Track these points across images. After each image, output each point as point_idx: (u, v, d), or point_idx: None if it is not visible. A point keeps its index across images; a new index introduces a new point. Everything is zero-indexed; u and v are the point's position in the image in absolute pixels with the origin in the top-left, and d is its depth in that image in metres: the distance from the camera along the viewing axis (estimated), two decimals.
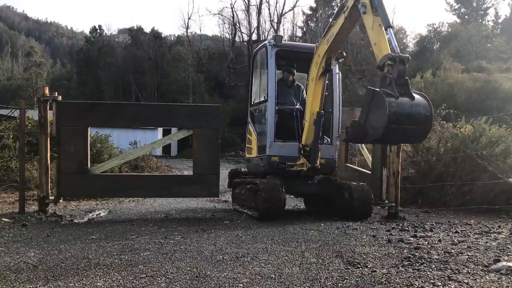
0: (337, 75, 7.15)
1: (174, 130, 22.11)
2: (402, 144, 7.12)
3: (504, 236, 4.50)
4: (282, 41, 7.13)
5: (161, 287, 2.90)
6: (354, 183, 6.68)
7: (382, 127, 4.33)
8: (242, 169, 8.42)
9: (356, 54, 30.26)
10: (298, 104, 7.21)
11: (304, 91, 7.33)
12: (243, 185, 7.31)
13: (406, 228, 5.23)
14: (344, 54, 6.93)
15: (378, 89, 4.51)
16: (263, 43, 7.46)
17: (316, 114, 6.34)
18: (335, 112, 7.04)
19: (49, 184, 6.50)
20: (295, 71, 7.35)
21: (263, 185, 6.18)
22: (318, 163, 6.42)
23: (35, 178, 8.62)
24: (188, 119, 6.72)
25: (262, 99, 7.23)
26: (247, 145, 7.78)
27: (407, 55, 4.66)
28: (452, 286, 2.78)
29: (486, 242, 4.13)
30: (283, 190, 6.19)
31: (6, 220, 5.70)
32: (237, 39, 44.74)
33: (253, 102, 7.69)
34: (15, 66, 79.81)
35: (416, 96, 4.50)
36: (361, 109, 4.89)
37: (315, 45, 6.60)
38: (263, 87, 7.26)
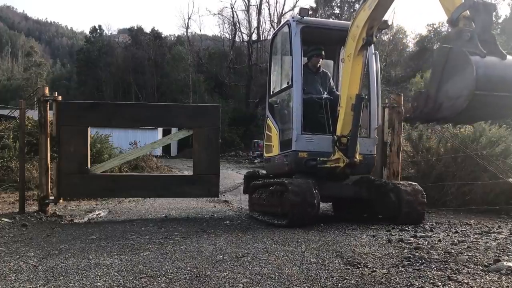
0: (374, 55, 6.15)
1: (174, 130, 22.11)
2: (402, 144, 7.12)
3: (504, 236, 4.49)
4: (308, 17, 6.09)
5: (161, 287, 2.90)
6: (402, 182, 5.72)
7: (465, 96, 3.32)
8: (260, 172, 7.34)
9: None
10: (326, 93, 6.28)
11: (331, 78, 6.59)
12: (265, 187, 6.24)
13: (406, 228, 5.22)
14: (390, 23, 5.97)
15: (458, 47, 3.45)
16: (285, 21, 6.43)
17: (355, 98, 5.36)
18: (373, 98, 6.02)
19: (49, 184, 6.50)
20: (324, 54, 6.37)
21: (293, 186, 5.19)
22: (357, 157, 5.45)
23: (35, 178, 8.62)
24: (188, 119, 6.72)
25: (284, 86, 6.25)
26: (265, 143, 6.83)
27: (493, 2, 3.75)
28: (452, 286, 2.78)
29: (486, 242, 4.13)
30: (317, 191, 5.20)
31: (6, 220, 5.70)
32: (237, 39, 44.91)
33: (273, 92, 6.69)
34: (15, 66, 79.87)
35: (508, 56, 3.49)
36: (430, 76, 3.87)
37: (349, 22, 5.73)
38: (286, 72, 6.29)
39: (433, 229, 5.14)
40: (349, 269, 3.27)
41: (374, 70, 6.10)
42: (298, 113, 5.75)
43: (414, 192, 5.43)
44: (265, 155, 6.86)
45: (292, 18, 6.06)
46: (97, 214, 6.93)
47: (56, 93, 6.64)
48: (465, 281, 2.88)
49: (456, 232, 4.89)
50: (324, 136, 5.75)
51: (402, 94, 7.33)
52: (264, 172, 7.13)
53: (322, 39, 6.42)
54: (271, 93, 6.73)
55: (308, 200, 5.08)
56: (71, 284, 2.96)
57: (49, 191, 6.45)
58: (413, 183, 5.67)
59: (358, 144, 5.49)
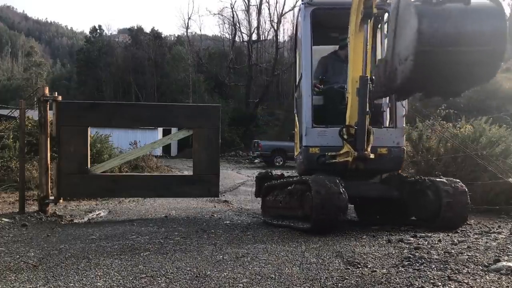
0: None
1: (174, 130, 22.11)
2: None
3: (504, 236, 4.49)
4: None
5: (161, 287, 2.90)
6: (441, 179, 4.89)
7: (411, 55, 2.79)
8: (273, 172, 6.72)
9: None
10: None
11: None
12: (281, 188, 5.61)
13: (406, 228, 5.22)
14: None
15: None
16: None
17: (360, 80, 4.65)
18: None
19: (49, 184, 6.51)
20: None
21: (316, 184, 4.51)
22: (369, 150, 4.81)
23: (35, 178, 8.62)
24: (188, 119, 6.72)
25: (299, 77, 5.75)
26: (295, 141, 6.39)
27: None
28: (452, 286, 2.78)
29: (486, 242, 4.12)
30: (344, 190, 4.50)
31: (6, 220, 5.70)
32: (237, 39, 44.90)
33: (296, 86, 6.19)
34: (15, 66, 79.86)
35: (474, 2, 2.79)
36: (387, 37, 3.40)
37: None
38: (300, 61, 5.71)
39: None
40: (349, 269, 3.27)
41: None
42: (307, 105, 5.23)
43: (457, 192, 4.68)
44: (295, 155, 6.51)
45: (302, 1, 5.53)
46: (97, 214, 6.93)
47: (56, 93, 6.64)
48: (465, 281, 2.87)
49: (456, 232, 4.89)
50: (338, 128, 5.01)
51: None
52: (278, 172, 6.83)
53: (340, 22, 5.63)
54: (295, 88, 6.31)
55: (334, 201, 4.37)
56: (71, 284, 2.96)
57: (49, 191, 6.45)
58: (454, 180, 4.89)
59: (372, 135, 4.86)
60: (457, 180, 4.92)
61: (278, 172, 7.14)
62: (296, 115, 6.08)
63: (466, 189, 4.79)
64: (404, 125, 5.39)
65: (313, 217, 4.50)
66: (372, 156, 4.85)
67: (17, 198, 6.80)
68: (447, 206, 4.59)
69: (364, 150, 4.78)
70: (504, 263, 3.21)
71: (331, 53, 5.90)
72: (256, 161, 26.52)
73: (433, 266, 3.25)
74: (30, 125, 10.26)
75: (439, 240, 4.28)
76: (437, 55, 2.77)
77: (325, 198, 4.38)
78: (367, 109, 4.73)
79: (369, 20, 4.69)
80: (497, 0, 2.87)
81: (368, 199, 5.45)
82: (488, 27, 2.77)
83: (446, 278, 2.95)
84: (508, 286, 2.78)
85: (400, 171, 5.53)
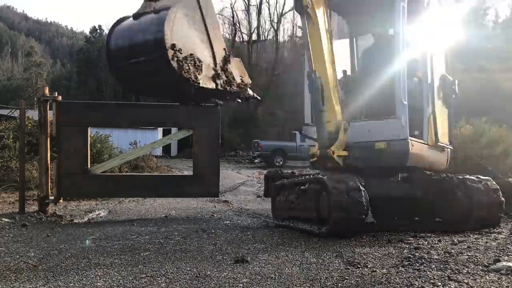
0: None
1: (174, 130, 22.11)
2: None
3: (504, 236, 4.49)
4: None
5: (161, 287, 2.90)
6: (471, 177, 4.60)
7: (110, 72, 3.03)
8: (284, 171, 6.32)
9: None
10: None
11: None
12: (293, 187, 5.11)
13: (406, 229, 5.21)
14: None
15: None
16: None
17: (308, 76, 4.74)
18: (397, 68, 4.65)
19: (49, 184, 6.50)
20: None
21: (334, 183, 4.16)
22: (333, 149, 4.64)
23: (35, 178, 8.61)
24: (188, 119, 6.72)
25: None
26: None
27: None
28: (452, 286, 2.78)
29: (486, 242, 4.12)
30: (364, 190, 4.17)
31: (6, 220, 5.70)
32: (237, 39, 44.76)
33: None
34: (15, 66, 79.80)
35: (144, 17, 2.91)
36: None
37: None
38: None
39: None
40: (349, 269, 3.27)
41: (401, 24, 4.70)
42: (307, 99, 5.09)
43: (489, 190, 4.40)
44: None
45: None
46: (97, 214, 6.92)
47: (56, 93, 6.64)
48: (465, 281, 2.87)
49: (456, 232, 4.89)
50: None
51: None
52: (288, 171, 6.36)
53: (357, 9, 5.48)
54: None
55: (354, 202, 4.01)
56: (71, 284, 2.96)
57: (49, 191, 6.45)
58: (485, 177, 4.62)
59: (342, 133, 4.70)
60: (487, 177, 4.64)
61: (288, 170, 6.86)
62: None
63: (498, 187, 4.54)
64: (403, 116, 4.59)
65: (331, 219, 4.13)
66: (339, 154, 4.62)
67: (17, 198, 6.80)
68: (480, 205, 4.33)
69: (326, 149, 4.61)
70: (504, 263, 3.21)
71: (373, 45, 5.59)
72: (256, 161, 26.49)
73: (433, 266, 3.25)
74: (30, 125, 10.26)
75: (439, 240, 4.28)
76: (129, 67, 2.96)
77: (344, 198, 4.03)
78: (322, 106, 4.61)
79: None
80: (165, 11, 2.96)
81: (387, 199, 4.95)
82: (150, 36, 3.00)
83: (446, 278, 2.95)
84: (508, 286, 2.78)
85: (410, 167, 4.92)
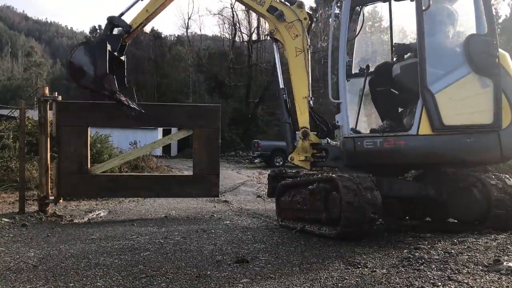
0: None
1: (174, 130, 22.09)
2: None
3: (504, 236, 4.48)
4: None
5: (161, 287, 2.90)
6: (489, 175, 4.41)
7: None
8: (288, 171, 6.09)
9: None
10: None
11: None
12: (300, 187, 4.97)
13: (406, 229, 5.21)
14: None
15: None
16: None
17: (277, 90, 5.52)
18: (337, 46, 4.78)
19: (49, 184, 6.50)
20: None
21: (344, 180, 4.03)
22: (298, 155, 5.06)
23: (35, 178, 8.62)
24: (188, 119, 6.72)
25: None
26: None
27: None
28: (452, 286, 2.78)
29: (486, 242, 4.12)
30: (377, 190, 4.03)
31: (6, 220, 5.70)
32: (237, 39, 44.77)
33: None
34: (15, 66, 79.76)
35: None
36: None
37: None
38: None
39: None
40: (349, 269, 3.27)
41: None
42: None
43: (508, 188, 4.23)
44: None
45: None
46: (97, 214, 6.92)
47: (56, 93, 6.64)
48: (465, 281, 2.87)
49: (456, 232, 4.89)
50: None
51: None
52: (292, 171, 6.17)
53: None
54: None
55: (367, 202, 3.87)
56: (71, 284, 2.96)
57: (49, 191, 6.45)
58: (503, 175, 4.44)
59: (307, 141, 5.09)
60: (506, 175, 4.47)
61: (292, 170, 6.58)
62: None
63: None
64: (345, 98, 4.58)
65: (343, 220, 3.96)
66: (299, 160, 5.15)
67: (17, 198, 6.80)
68: (498, 203, 4.15)
69: (289, 153, 5.23)
70: (504, 263, 3.20)
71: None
72: (256, 161, 26.49)
73: (433, 266, 3.25)
74: (30, 125, 10.25)
75: (439, 240, 4.28)
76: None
77: (357, 197, 3.88)
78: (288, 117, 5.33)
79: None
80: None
81: (398, 198, 4.78)
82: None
83: (446, 278, 2.94)
84: (508, 286, 2.77)
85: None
